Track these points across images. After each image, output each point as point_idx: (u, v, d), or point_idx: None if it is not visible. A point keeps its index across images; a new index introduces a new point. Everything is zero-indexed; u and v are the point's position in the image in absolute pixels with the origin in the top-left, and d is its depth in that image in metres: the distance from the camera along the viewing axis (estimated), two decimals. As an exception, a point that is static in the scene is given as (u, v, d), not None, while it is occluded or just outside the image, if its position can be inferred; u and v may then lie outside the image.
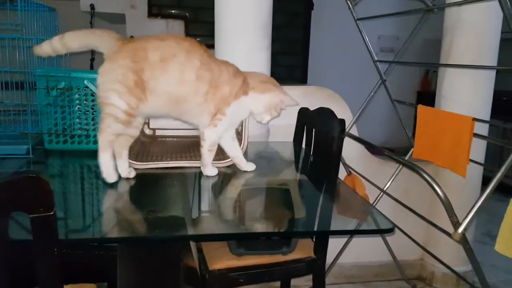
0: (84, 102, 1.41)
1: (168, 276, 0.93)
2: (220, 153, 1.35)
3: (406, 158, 1.82)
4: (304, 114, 1.74)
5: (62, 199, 1.05)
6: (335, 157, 1.39)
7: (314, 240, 1.47)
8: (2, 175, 1.08)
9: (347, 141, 2.01)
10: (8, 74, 1.36)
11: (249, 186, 1.28)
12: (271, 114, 1.30)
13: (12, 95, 1.38)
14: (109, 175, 1.13)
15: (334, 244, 2.08)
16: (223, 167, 1.35)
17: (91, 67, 3.01)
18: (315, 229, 0.98)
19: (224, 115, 1.22)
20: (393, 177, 1.96)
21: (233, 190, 1.27)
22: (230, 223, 1.01)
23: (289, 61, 3.62)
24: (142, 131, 1.71)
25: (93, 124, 1.42)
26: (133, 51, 1.10)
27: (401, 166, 1.99)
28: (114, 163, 1.15)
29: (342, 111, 2.01)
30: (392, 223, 0.94)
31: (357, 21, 1.85)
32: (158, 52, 1.11)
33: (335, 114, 1.47)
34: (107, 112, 1.10)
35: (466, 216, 1.08)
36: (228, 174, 1.32)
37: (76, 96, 1.39)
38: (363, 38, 1.88)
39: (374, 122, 4.28)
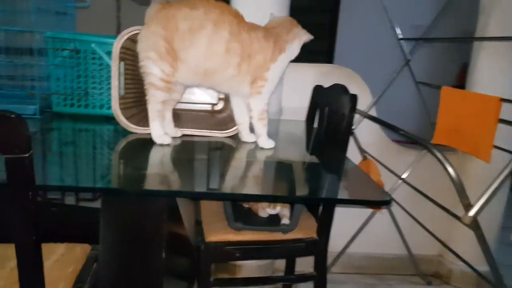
0: (92, 65, 1.40)
1: (150, 235, 0.90)
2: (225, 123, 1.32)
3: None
4: (317, 92, 1.67)
5: (59, 155, 1.05)
6: (344, 134, 1.33)
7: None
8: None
9: (364, 126, 1.95)
10: (19, 36, 1.36)
11: (252, 159, 1.24)
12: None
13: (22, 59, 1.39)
14: (161, 138, 1.16)
15: (345, 232, 2.02)
16: (225, 137, 1.32)
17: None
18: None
19: (265, 80, 1.19)
20: (412, 166, 1.87)
21: (236, 160, 1.23)
22: (223, 186, 0.97)
23: (314, 46, 3.53)
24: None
25: (100, 89, 1.41)
26: (165, 19, 1.10)
27: (422, 154, 1.89)
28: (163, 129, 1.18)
29: (361, 91, 1.92)
30: (407, 212, 0.87)
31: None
32: (187, 22, 1.10)
33: (347, 90, 1.40)
34: (148, 82, 1.14)
35: (479, 199, 1.00)
36: (232, 147, 1.28)
37: (83, 59, 1.38)
38: (387, 15, 1.79)
39: (396, 110, 4.05)
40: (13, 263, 0.83)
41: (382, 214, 1.96)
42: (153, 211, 0.89)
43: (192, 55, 1.11)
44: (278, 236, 1.37)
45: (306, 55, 3.49)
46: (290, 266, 1.69)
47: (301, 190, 0.96)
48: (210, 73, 1.14)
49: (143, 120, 1.35)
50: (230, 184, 0.97)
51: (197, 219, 1.46)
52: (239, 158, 1.21)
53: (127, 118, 1.26)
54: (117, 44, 1.20)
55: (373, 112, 1.94)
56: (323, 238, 1.38)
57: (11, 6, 1.32)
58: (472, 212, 0.99)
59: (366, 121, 1.87)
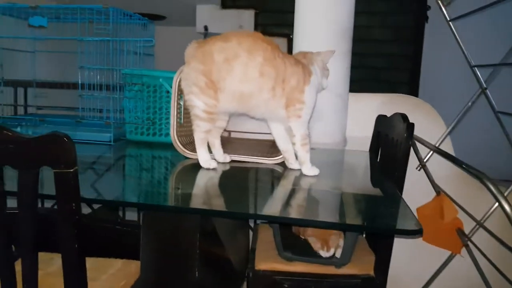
0: (159, 98, 1.53)
1: (184, 250, 0.94)
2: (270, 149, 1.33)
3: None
4: (379, 121, 1.62)
5: (124, 175, 1.17)
6: (400, 164, 1.26)
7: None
8: (88, 157, 1.24)
9: (440, 159, 1.81)
10: (98, 73, 1.55)
11: (297, 186, 1.23)
12: (325, 75, 1.32)
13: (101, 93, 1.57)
14: (208, 163, 1.22)
15: (420, 274, 1.86)
16: (274, 163, 1.33)
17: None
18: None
19: (302, 103, 1.22)
20: (494, 207, 1.68)
21: (280, 186, 1.23)
22: (259, 208, 0.98)
23: (395, 77, 3.45)
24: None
25: (166, 119, 1.53)
26: (202, 55, 1.19)
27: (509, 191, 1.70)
28: (209, 154, 1.25)
29: (431, 121, 1.83)
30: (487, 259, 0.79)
31: (450, 22, 1.67)
32: (222, 53, 1.17)
33: (406, 118, 1.34)
34: (193, 114, 1.22)
35: None
36: (279, 173, 1.29)
37: (152, 93, 1.52)
38: (457, 40, 1.69)
39: (476, 143, 3.63)
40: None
41: (463, 258, 1.78)
42: (187, 228, 0.93)
43: (229, 82, 1.17)
44: (331, 270, 1.32)
45: (387, 86, 3.41)
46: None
47: (337, 217, 0.92)
48: (246, 97, 1.19)
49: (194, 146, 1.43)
50: (268, 208, 0.98)
51: (252, 247, 1.47)
52: (284, 185, 1.22)
53: (184, 145, 1.34)
54: (176, 78, 1.30)
55: (448, 145, 1.81)
56: (380, 275, 1.31)
57: (95, 49, 1.51)
58: None
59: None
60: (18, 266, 0.89)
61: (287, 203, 1.03)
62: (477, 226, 1.66)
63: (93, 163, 1.34)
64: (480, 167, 1.46)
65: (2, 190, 0.85)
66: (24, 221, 0.85)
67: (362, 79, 3.56)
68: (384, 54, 3.55)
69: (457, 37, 1.70)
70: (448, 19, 1.69)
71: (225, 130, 1.81)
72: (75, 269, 0.88)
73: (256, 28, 3.50)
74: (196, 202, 0.95)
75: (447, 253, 1.79)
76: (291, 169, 1.29)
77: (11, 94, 2.07)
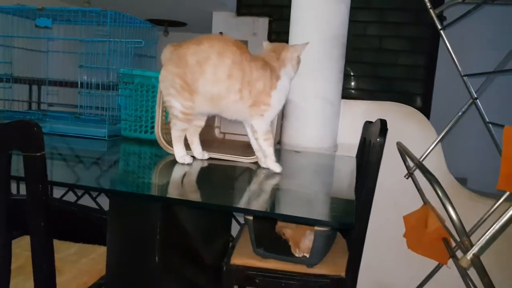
0: (151, 97, 1.61)
1: (146, 237, 1.01)
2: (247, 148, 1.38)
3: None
4: (365, 128, 1.65)
5: (106, 166, 1.25)
6: (372, 166, 1.28)
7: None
8: (80, 150, 1.32)
9: (430, 167, 1.79)
10: (95, 72, 1.65)
11: (267, 183, 1.26)
12: (295, 70, 1.35)
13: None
14: (183, 158, 1.28)
15: (408, 280, 1.86)
16: (250, 162, 1.38)
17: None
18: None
19: (268, 105, 1.26)
20: (484, 218, 1.66)
21: (249, 183, 1.26)
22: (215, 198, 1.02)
23: (408, 87, 3.43)
24: (214, 134, 1.86)
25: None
26: (178, 58, 1.24)
27: (496, 205, 1.68)
28: (185, 151, 1.30)
29: (423, 131, 1.83)
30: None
31: (441, 31, 1.68)
32: (195, 56, 1.23)
33: (384, 122, 1.36)
34: (171, 113, 1.29)
35: (479, 240, 0.88)
36: (253, 171, 1.34)
37: (145, 93, 1.61)
38: (448, 50, 1.70)
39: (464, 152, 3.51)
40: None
41: (451, 269, 1.76)
42: (150, 215, 1.00)
43: (201, 84, 1.22)
44: (302, 268, 1.36)
45: (400, 96, 3.39)
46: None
47: (288, 211, 0.96)
48: (217, 98, 1.24)
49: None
50: (230, 200, 1.02)
51: (233, 243, 1.52)
52: (253, 181, 1.26)
53: (168, 142, 1.41)
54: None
55: (439, 153, 1.81)
56: (350, 277, 1.33)
57: (94, 50, 1.62)
58: (469, 255, 0.87)
59: (433, 164, 1.75)
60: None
61: (251, 196, 1.08)
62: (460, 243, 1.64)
63: (83, 155, 1.43)
64: (472, 178, 1.46)
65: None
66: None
67: (375, 89, 3.57)
68: (398, 64, 3.54)
69: (448, 46, 1.70)
70: (439, 27, 1.70)
71: (220, 132, 1.89)
72: (43, 248, 0.96)
73: (270, 35, 3.57)
74: (160, 191, 1.01)
75: (435, 263, 1.78)
76: (263, 167, 1.33)
77: (27, 91, 2.22)
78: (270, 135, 1.29)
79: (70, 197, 2.47)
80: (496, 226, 0.85)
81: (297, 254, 1.35)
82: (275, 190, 1.16)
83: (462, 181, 2.21)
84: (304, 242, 1.33)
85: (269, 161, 1.30)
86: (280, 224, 1.53)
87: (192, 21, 4.09)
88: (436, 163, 1.80)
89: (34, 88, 2.22)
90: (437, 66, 3.49)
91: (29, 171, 0.90)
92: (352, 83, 3.62)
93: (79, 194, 2.50)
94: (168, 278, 1.12)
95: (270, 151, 1.29)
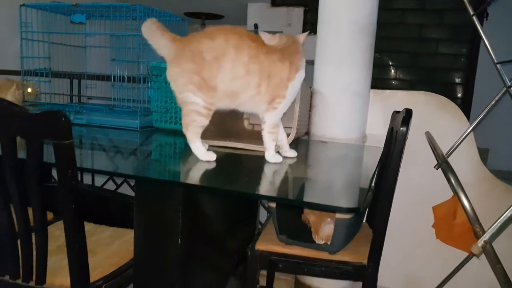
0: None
1: (169, 221, 1.06)
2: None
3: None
4: (392, 118, 1.62)
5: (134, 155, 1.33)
6: (394, 154, 1.27)
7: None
8: (113, 140, 1.39)
9: (461, 159, 1.75)
10: (126, 66, 1.73)
11: (287, 172, 1.28)
12: None
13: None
14: (207, 155, 1.25)
15: (434, 275, 1.82)
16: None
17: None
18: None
19: (284, 98, 1.25)
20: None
21: (269, 172, 1.28)
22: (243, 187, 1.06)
23: (449, 78, 3.31)
24: (243, 126, 1.90)
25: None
26: (192, 54, 1.20)
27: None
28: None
29: (456, 121, 1.78)
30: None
31: (473, 17, 1.62)
32: (211, 52, 1.19)
33: (409, 111, 1.34)
34: (189, 109, 1.23)
35: (491, 227, 0.86)
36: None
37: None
38: (481, 36, 1.63)
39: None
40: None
41: (480, 260, 1.71)
42: (172, 200, 1.05)
43: (220, 80, 1.20)
44: (325, 255, 1.37)
45: (441, 87, 3.27)
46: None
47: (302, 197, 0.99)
48: (235, 94, 1.23)
49: (204, 135, 1.54)
50: (249, 187, 1.05)
51: (259, 230, 1.56)
52: (280, 171, 1.28)
53: (195, 132, 1.46)
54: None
55: (472, 143, 1.75)
56: (372, 264, 1.34)
57: (126, 44, 1.69)
58: (480, 242, 0.85)
59: (465, 155, 1.70)
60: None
61: (272, 184, 1.11)
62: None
63: (116, 145, 1.50)
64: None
65: (16, 157, 1.02)
66: (32, 186, 1.01)
67: (415, 79, 3.47)
68: (439, 53, 3.43)
69: (481, 33, 1.64)
70: (472, 13, 1.64)
71: (249, 123, 1.92)
72: (74, 229, 1.04)
73: (304, 25, 3.55)
74: (183, 178, 1.07)
75: (465, 255, 1.74)
76: (285, 157, 1.35)
77: (68, 85, 2.35)
78: (276, 129, 1.28)
79: (110, 185, 2.60)
80: (508, 213, 0.83)
81: (317, 240, 1.37)
82: (296, 179, 1.18)
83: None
84: (323, 230, 1.35)
85: (268, 153, 1.29)
86: (306, 211, 1.55)
87: (228, 13, 4.13)
88: (468, 155, 1.75)
89: (75, 82, 2.35)
90: (479, 55, 3.34)
91: (59, 158, 0.97)
92: (391, 73, 3.54)
93: (118, 182, 2.62)
94: (191, 262, 1.17)
95: (271, 144, 1.28)
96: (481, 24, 3.34)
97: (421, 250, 1.87)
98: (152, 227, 1.11)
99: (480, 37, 1.65)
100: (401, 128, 1.26)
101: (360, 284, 1.88)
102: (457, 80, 3.35)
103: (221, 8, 4.04)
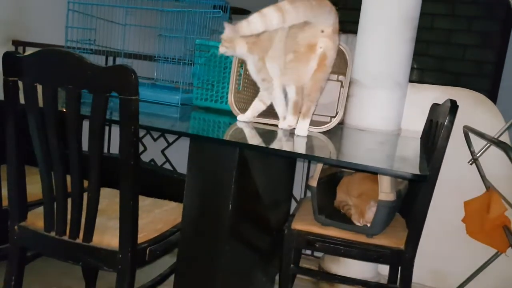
0: (224, 69, 1.69)
1: (221, 186, 1.08)
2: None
3: None
4: (432, 110, 1.63)
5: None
6: (439, 143, 1.27)
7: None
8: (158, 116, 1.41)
9: (493, 156, 1.75)
10: (172, 42, 1.75)
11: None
12: None
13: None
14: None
15: (460, 271, 1.83)
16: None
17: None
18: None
19: None
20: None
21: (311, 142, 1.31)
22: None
23: (476, 84, 3.31)
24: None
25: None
26: None
27: None
28: None
29: (492, 119, 1.79)
30: None
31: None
32: None
33: (454, 102, 1.35)
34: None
35: None
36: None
37: (218, 64, 1.68)
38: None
39: None
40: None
41: (508, 258, 1.72)
42: (226, 164, 1.07)
43: None
44: (362, 238, 1.38)
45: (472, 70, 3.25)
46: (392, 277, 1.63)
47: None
48: None
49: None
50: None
51: (292, 213, 1.57)
52: (324, 144, 1.29)
53: (239, 109, 1.48)
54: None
55: (506, 141, 1.75)
56: (409, 250, 1.35)
57: (169, 24, 1.72)
58: None
59: (500, 151, 1.70)
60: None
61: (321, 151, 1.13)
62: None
63: (160, 115, 1.52)
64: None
65: (79, 111, 1.04)
66: (93, 145, 1.03)
67: (441, 83, 3.48)
68: (466, 59, 3.43)
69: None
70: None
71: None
72: (133, 182, 1.04)
73: (333, 24, 3.57)
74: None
75: (493, 251, 1.74)
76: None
77: (103, 62, 2.37)
78: None
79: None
80: None
81: (360, 223, 1.38)
82: (351, 149, 1.20)
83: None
84: (368, 212, 1.36)
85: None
86: (339, 199, 1.56)
87: (256, 8, 4.15)
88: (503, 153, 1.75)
89: (110, 59, 2.37)
90: (505, 63, 3.35)
91: (124, 113, 0.99)
92: (416, 77, 3.55)
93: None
94: (238, 230, 1.19)
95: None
96: (509, 33, 3.37)
97: (448, 245, 1.87)
98: (204, 190, 1.13)
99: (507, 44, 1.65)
100: (448, 118, 1.26)
101: (383, 276, 1.92)
102: (483, 87, 3.35)
103: (249, 3, 4.05)
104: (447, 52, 3.44)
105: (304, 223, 1.43)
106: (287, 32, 1.31)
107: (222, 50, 1.36)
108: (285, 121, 1.36)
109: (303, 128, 1.30)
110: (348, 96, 1.87)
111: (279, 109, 1.40)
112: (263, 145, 1.17)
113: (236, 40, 1.34)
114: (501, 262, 1.75)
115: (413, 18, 1.77)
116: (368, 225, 1.35)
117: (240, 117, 1.43)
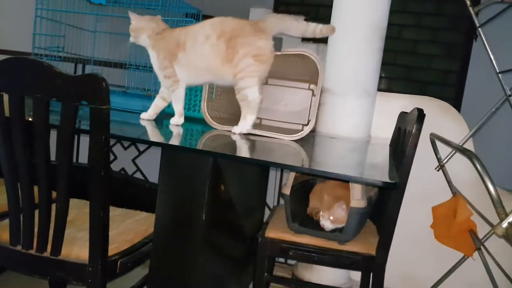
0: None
1: (194, 195, 1.07)
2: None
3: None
4: (400, 118, 1.68)
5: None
6: (408, 151, 1.31)
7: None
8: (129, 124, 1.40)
9: (459, 162, 1.82)
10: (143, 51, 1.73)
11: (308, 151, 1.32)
12: None
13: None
14: None
15: (429, 275, 1.87)
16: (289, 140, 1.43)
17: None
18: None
19: None
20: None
21: (284, 150, 1.32)
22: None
23: (441, 92, 3.43)
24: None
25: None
26: None
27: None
28: None
29: (457, 127, 1.85)
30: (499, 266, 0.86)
31: (479, 29, 1.71)
32: None
33: (421, 111, 1.39)
34: None
35: None
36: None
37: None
38: (485, 47, 1.72)
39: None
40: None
41: (475, 261, 1.77)
42: (200, 169, 1.06)
43: None
44: (334, 245, 1.40)
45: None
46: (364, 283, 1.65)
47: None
48: None
49: (223, 121, 1.57)
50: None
51: (266, 221, 1.58)
52: (297, 152, 1.31)
53: (212, 118, 1.48)
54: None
55: (471, 149, 1.82)
56: (381, 255, 1.37)
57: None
58: (505, 223, 0.90)
59: (465, 160, 1.76)
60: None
61: (294, 160, 1.14)
62: (492, 230, 1.66)
63: (130, 124, 1.50)
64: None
65: (47, 121, 1.01)
66: (62, 154, 1.00)
67: (407, 92, 3.59)
68: (432, 68, 3.56)
69: (485, 43, 1.72)
70: (478, 25, 1.73)
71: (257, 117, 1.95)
72: (102, 194, 1.02)
73: (304, 33, 3.64)
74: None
75: (461, 255, 1.80)
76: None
77: (72, 69, 2.32)
78: None
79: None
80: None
81: (324, 220, 1.38)
82: (323, 157, 1.21)
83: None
84: (335, 210, 1.37)
85: None
86: (312, 205, 1.57)
87: (227, 15, 4.18)
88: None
89: (79, 67, 2.33)
90: (468, 72, 3.49)
91: (94, 122, 0.97)
92: (384, 85, 3.64)
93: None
94: (211, 239, 1.18)
95: None
96: (470, 45, 3.51)
97: (417, 250, 1.91)
98: (177, 199, 1.12)
99: (484, 46, 1.73)
100: (416, 126, 1.30)
101: (356, 282, 1.94)
102: (448, 95, 3.48)
103: (222, 11, 4.07)
104: (413, 61, 3.56)
105: (278, 231, 1.44)
106: (225, 44, 1.39)
107: (131, 39, 1.50)
108: (245, 122, 1.41)
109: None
110: (319, 104, 1.90)
111: (179, 106, 1.49)
112: (236, 154, 1.17)
113: (139, 31, 1.47)
114: (468, 266, 1.80)
115: (381, 28, 1.82)
116: (332, 224, 1.37)
117: (143, 115, 1.52)
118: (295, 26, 1.47)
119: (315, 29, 1.49)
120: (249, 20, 1.46)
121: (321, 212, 1.41)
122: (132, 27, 1.48)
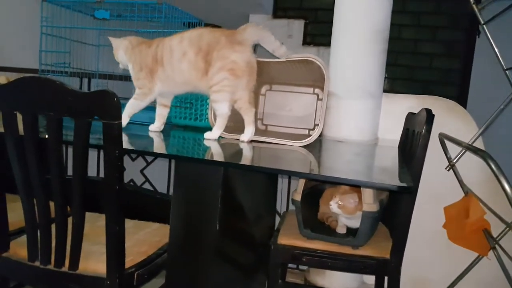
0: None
1: (207, 205, 1.08)
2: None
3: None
4: (408, 119, 1.68)
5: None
6: (418, 152, 1.31)
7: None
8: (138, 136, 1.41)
9: (468, 161, 1.82)
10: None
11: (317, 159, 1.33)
12: None
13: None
14: None
15: (443, 276, 1.87)
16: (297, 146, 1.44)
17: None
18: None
19: None
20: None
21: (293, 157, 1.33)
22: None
23: (443, 91, 3.42)
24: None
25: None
26: None
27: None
28: None
29: (465, 125, 1.85)
30: None
31: (484, 26, 1.71)
32: None
33: (430, 111, 1.39)
34: None
35: None
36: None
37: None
38: (491, 44, 1.72)
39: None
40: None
41: (490, 261, 1.76)
42: (211, 179, 1.07)
43: None
44: (348, 250, 1.40)
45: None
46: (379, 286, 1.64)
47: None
48: None
49: (230, 129, 1.57)
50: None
51: (277, 227, 1.58)
52: (304, 158, 1.31)
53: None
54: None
55: (481, 147, 1.82)
56: (395, 259, 1.37)
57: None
58: None
59: (475, 158, 1.76)
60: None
61: (304, 166, 1.14)
62: (507, 228, 1.65)
63: (138, 136, 1.51)
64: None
65: (61, 137, 1.02)
66: (76, 169, 1.01)
67: (410, 92, 3.58)
68: (433, 67, 3.56)
69: (491, 41, 1.73)
70: (482, 22, 1.73)
71: (262, 123, 1.96)
72: (117, 208, 1.03)
73: (305, 37, 3.64)
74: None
75: (475, 255, 1.79)
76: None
77: (78, 83, 2.34)
78: None
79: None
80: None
81: (333, 202, 1.38)
82: (333, 163, 1.21)
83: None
84: (348, 199, 1.37)
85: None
86: (322, 211, 1.57)
87: (228, 24, 4.19)
88: (478, 158, 1.81)
89: (85, 81, 2.34)
90: (472, 70, 3.48)
91: (107, 137, 0.98)
92: (387, 86, 3.64)
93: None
94: (225, 249, 1.18)
95: None
96: (473, 42, 3.50)
97: (429, 252, 1.91)
98: (190, 210, 1.12)
99: (490, 43, 1.73)
100: (425, 127, 1.31)
101: (368, 285, 1.94)
102: (451, 94, 3.46)
103: (221, 19, 4.08)
104: (415, 61, 3.56)
105: (290, 237, 1.44)
106: (202, 59, 1.40)
107: (119, 65, 1.59)
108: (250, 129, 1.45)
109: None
110: (326, 108, 1.90)
111: (130, 111, 1.52)
112: (246, 162, 1.17)
113: (116, 51, 1.56)
114: (482, 266, 1.79)
115: (384, 29, 1.82)
116: (338, 210, 1.38)
117: (152, 127, 1.56)
118: (270, 41, 1.48)
119: (283, 52, 1.50)
120: (227, 31, 1.45)
121: (335, 195, 1.40)
122: (113, 50, 1.57)
